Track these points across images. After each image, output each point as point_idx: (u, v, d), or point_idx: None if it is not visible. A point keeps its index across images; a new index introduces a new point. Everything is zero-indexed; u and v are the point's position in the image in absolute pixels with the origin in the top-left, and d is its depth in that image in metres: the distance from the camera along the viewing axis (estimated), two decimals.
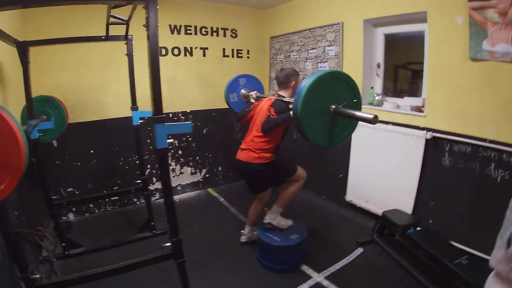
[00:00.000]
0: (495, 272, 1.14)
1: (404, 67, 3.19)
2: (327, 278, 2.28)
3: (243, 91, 2.99)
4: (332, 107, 1.56)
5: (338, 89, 1.59)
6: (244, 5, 3.96)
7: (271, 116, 2.26)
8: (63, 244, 2.26)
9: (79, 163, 3.06)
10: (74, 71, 2.93)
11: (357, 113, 1.51)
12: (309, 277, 2.30)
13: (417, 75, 3.20)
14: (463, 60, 2.18)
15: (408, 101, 2.75)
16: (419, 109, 2.62)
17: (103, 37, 2.21)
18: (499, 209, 2.06)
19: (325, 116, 1.59)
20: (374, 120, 1.41)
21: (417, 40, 2.73)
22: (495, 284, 1.12)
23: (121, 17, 2.03)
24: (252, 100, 2.71)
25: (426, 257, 2.15)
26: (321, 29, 3.39)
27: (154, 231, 2.81)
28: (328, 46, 3.35)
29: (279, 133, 2.39)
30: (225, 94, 2.96)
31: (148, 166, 3.50)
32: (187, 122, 1.65)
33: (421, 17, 2.47)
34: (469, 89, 2.20)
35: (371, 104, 3.06)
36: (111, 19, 2.01)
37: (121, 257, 2.47)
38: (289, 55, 3.92)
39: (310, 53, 3.61)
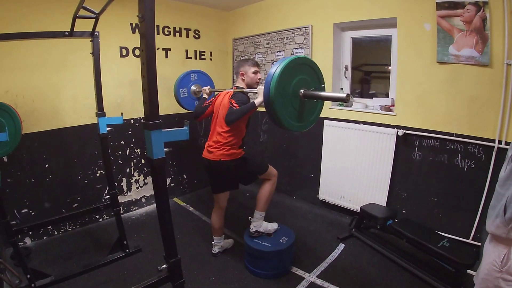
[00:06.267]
0: (492, 237, 1.26)
1: (356, 69, 3.34)
2: (319, 277, 2.30)
3: (193, 87, 2.92)
4: (301, 91, 1.62)
5: (305, 75, 1.65)
6: (207, 5, 3.85)
7: (234, 108, 2.13)
8: (28, 275, 1.90)
9: (33, 180, 2.62)
10: (26, 73, 2.50)
11: (330, 94, 1.65)
12: (301, 278, 2.30)
13: (369, 75, 3.44)
14: (430, 63, 2.40)
15: (377, 101, 2.92)
16: (388, 108, 2.81)
17: (67, 33, 1.90)
18: (468, 194, 2.34)
19: (295, 100, 1.63)
20: (346, 99, 1.44)
21: (382, 44, 2.94)
22: (496, 247, 1.23)
23: (91, 9, 1.77)
24: (205, 96, 2.60)
25: (410, 244, 2.31)
26: (289, 31, 3.44)
27: (127, 250, 2.54)
28: (296, 48, 3.41)
29: (243, 125, 2.32)
30: (175, 88, 2.84)
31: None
32: (183, 128, 1.52)
33: (390, 23, 2.65)
34: (436, 89, 2.42)
35: (341, 105, 3.20)
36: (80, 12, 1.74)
37: (96, 284, 2.20)
38: (254, 57, 3.90)
39: (278, 56, 3.63)
